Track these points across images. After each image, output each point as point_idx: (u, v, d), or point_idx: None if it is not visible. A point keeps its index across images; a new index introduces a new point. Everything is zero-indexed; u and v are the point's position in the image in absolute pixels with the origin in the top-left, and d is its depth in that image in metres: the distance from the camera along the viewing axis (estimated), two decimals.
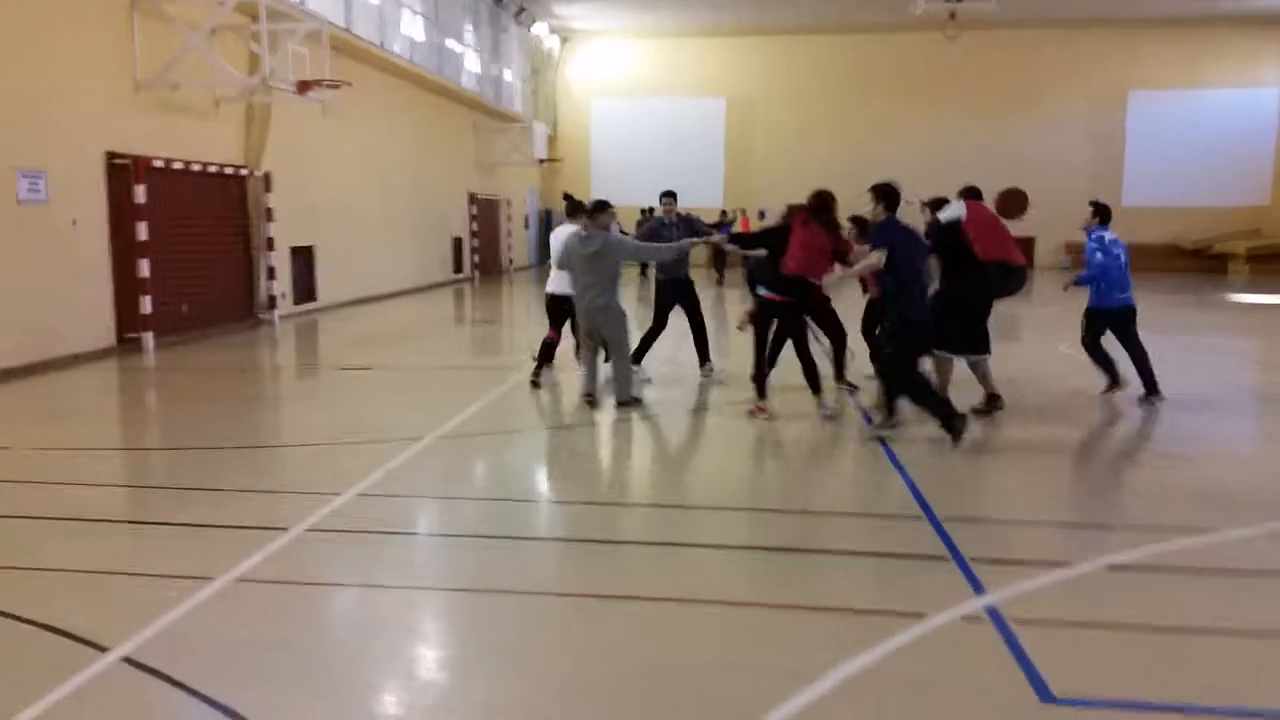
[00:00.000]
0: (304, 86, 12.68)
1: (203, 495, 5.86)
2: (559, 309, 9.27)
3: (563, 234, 8.92)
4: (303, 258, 16.36)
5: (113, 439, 7.94)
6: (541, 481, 6.65)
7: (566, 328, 9.36)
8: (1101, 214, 8.83)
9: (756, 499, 6.07)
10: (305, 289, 16.51)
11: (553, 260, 8.99)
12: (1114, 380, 8.82)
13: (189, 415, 8.53)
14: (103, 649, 3.66)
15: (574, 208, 9.11)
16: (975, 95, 31.21)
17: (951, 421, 6.82)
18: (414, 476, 6.40)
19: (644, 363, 9.64)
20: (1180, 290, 23.00)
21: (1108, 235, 8.68)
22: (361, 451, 6.94)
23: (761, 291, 7.91)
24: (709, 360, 9.79)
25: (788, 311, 7.88)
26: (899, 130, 31.13)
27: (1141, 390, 8.66)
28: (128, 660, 3.59)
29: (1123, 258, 8.67)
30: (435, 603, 4.32)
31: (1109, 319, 8.77)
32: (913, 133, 31.11)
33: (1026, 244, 32.89)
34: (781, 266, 7.67)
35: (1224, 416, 8.60)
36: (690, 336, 9.80)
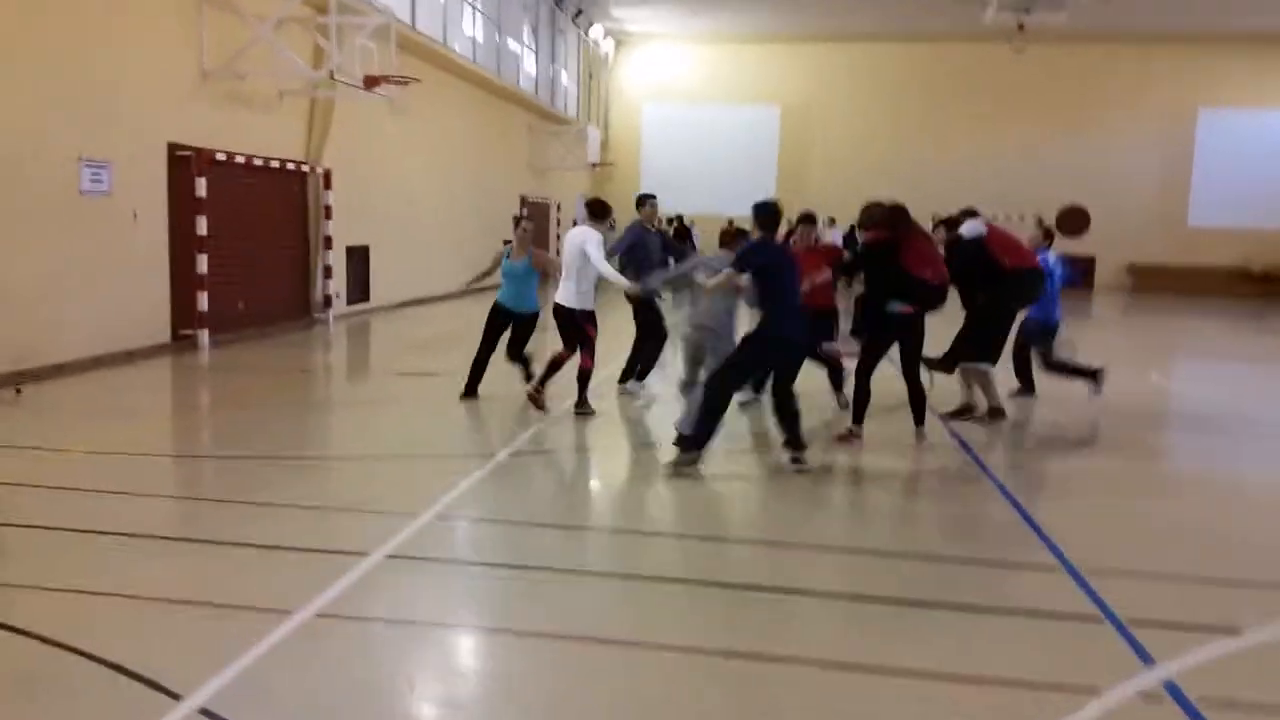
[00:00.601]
0: (371, 82, 12.38)
1: (268, 511, 5.50)
2: (571, 323, 8.27)
3: (578, 237, 8.09)
4: (358, 257, 16.09)
5: (170, 444, 7.60)
6: (635, 508, 6.16)
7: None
8: (1050, 236, 9.48)
9: (854, 539, 5.59)
10: (360, 289, 16.24)
11: (565, 264, 8.16)
12: (1091, 376, 9.19)
13: (248, 419, 8.19)
14: (177, 696, 3.27)
15: (603, 210, 8.49)
16: (1040, 109, 30.43)
17: (695, 454, 6.51)
18: (495, 497, 6.00)
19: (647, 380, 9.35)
20: (1259, 317, 22.16)
21: (1051, 256, 9.23)
22: (434, 467, 6.55)
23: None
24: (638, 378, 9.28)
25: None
26: (960, 143, 30.43)
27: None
28: (206, 713, 3.19)
29: (1056, 277, 9.13)
30: (544, 651, 3.88)
31: (1043, 333, 9.16)
32: (974, 146, 30.41)
33: (1087, 263, 32.12)
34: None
35: None
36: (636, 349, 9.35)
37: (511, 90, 22.34)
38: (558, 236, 27.96)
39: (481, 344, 8.80)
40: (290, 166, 13.45)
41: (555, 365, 8.21)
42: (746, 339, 6.72)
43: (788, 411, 6.58)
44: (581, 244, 7.93)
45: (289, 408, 8.84)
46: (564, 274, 8.14)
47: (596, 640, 3.93)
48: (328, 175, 14.24)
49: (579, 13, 27.41)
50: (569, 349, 8.22)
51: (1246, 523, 6.04)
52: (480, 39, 20.87)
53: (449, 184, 19.68)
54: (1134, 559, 5.16)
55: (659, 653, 3.85)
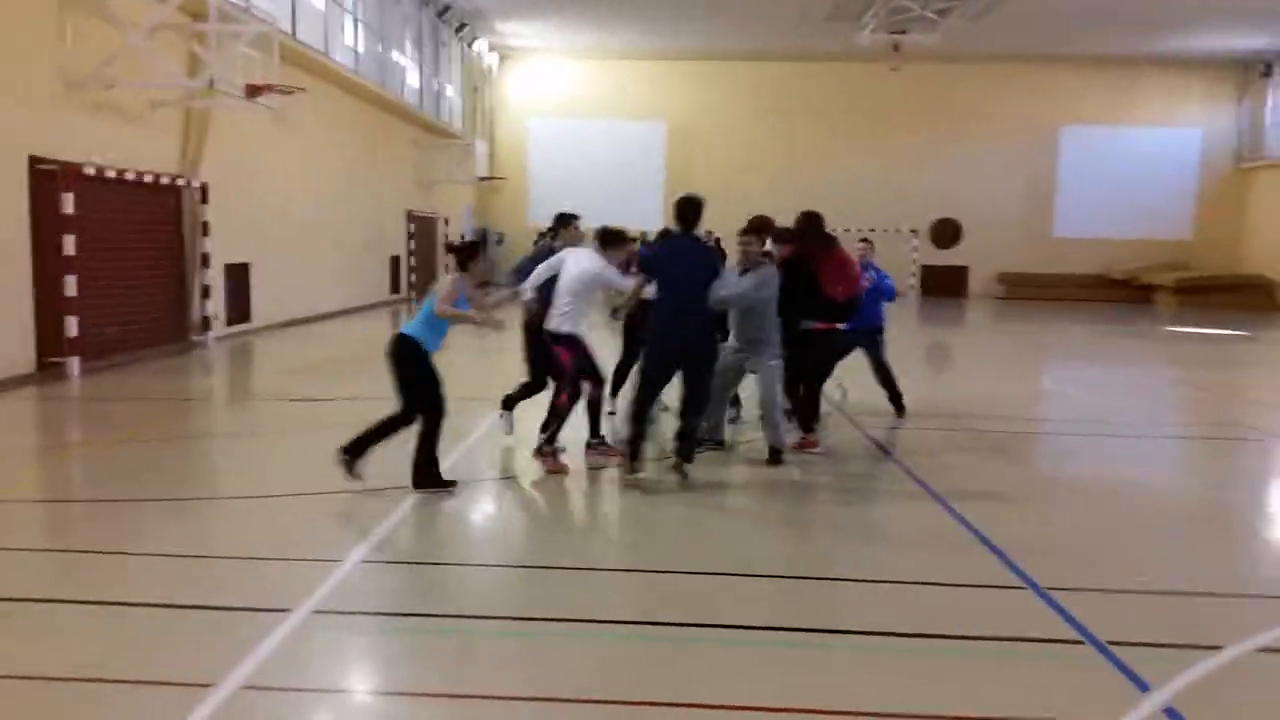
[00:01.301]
0: (253, 91, 11.69)
1: (159, 564, 4.90)
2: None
3: (582, 260, 7.20)
4: (238, 276, 15.22)
5: (36, 486, 6.83)
6: (578, 542, 5.77)
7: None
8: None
9: (793, 560, 5.40)
10: (240, 309, 15.36)
11: (569, 290, 7.11)
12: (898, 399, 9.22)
13: (125, 456, 7.45)
14: None
15: (618, 241, 7.46)
16: (917, 127, 31.44)
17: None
18: (423, 538, 5.58)
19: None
20: (1122, 320, 23.30)
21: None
22: (349, 504, 6.05)
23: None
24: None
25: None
26: (842, 159, 31.16)
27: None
28: None
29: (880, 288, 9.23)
30: (503, 715, 3.52)
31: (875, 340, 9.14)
32: (856, 162, 31.19)
33: (959, 273, 33.40)
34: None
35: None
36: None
37: (395, 102, 21.68)
38: (445, 250, 27.32)
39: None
40: (165, 180, 12.58)
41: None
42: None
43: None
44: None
45: (170, 442, 8.07)
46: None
47: (565, 701, 3.59)
48: (204, 189, 13.39)
49: (462, 26, 26.88)
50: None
51: (1184, 532, 6.13)
52: (362, 50, 20.18)
53: (333, 198, 18.91)
54: (1090, 572, 5.10)
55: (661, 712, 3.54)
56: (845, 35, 26.18)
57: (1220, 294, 29.51)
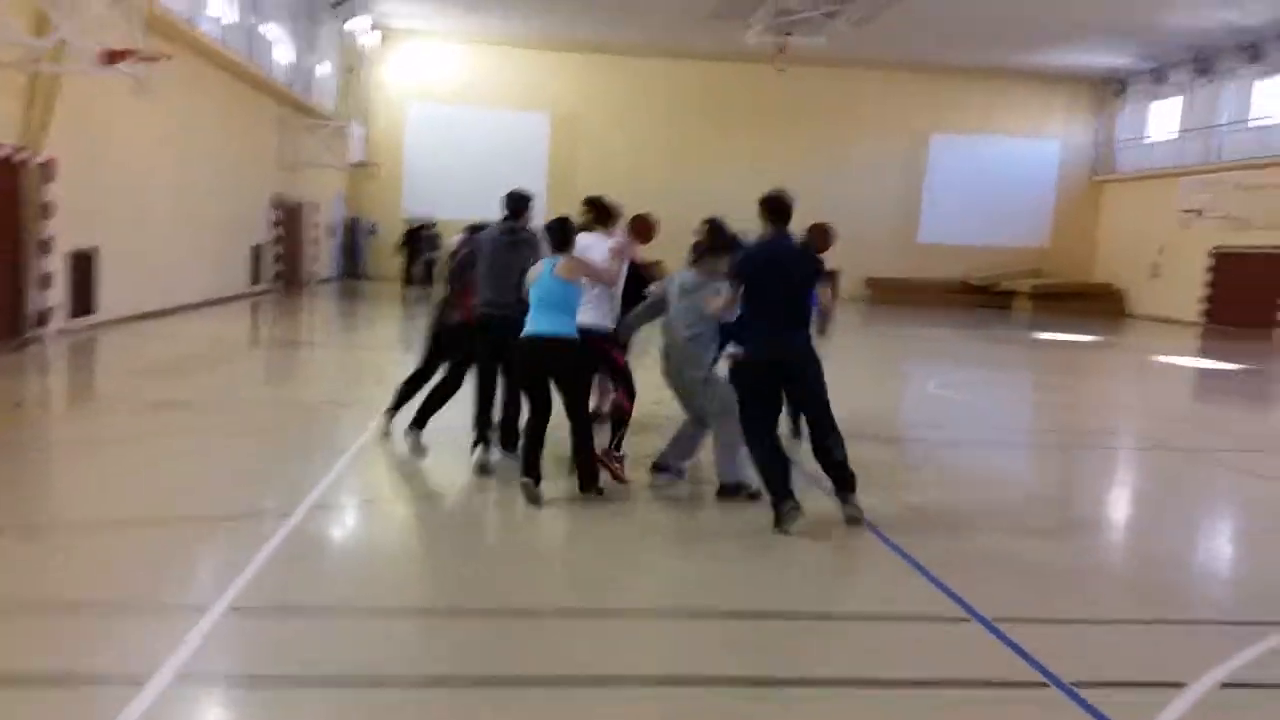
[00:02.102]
0: (113, 57, 10.51)
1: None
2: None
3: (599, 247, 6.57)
4: (83, 263, 13.84)
5: None
6: (499, 578, 5.03)
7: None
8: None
9: (728, 600, 4.99)
10: (84, 300, 13.97)
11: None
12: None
13: None
14: None
15: (606, 214, 6.86)
16: (799, 129, 31.75)
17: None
18: (310, 575, 4.83)
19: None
20: (983, 326, 24.03)
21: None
22: (220, 533, 5.31)
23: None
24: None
25: None
26: (727, 158, 31.13)
27: None
28: None
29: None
30: None
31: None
32: (740, 162, 31.16)
33: (830, 277, 33.85)
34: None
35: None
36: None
37: (262, 79, 20.33)
38: (314, 241, 25.96)
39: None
40: (1, 153, 11.24)
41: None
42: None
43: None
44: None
45: (3, 455, 7.00)
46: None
47: None
48: (50, 165, 12.05)
49: (340, 2, 25.54)
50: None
51: (1115, 555, 6.02)
52: (229, 20, 18.82)
53: (191, 179, 17.51)
54: (1029, 603, 4.86)
55: None
56: (732, 34, 26.13)
57: (1073, 300, 30.95)
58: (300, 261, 24.96)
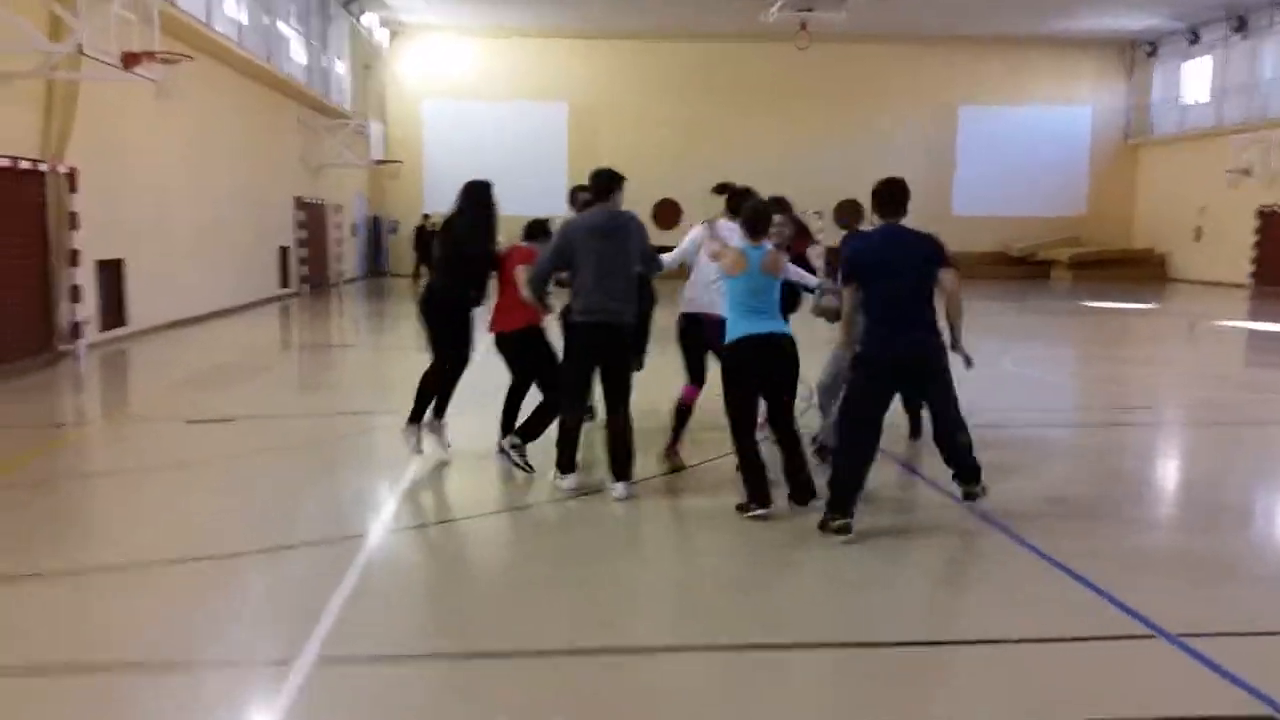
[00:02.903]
0: (131, 60, 10.10)
1: (26, 685, 3.72)
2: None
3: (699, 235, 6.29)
4: (111, 273, 13.49)
5: None
6: (609, 610, 4.43)
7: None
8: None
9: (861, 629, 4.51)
10: (114, 311, 13.64)
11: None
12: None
13: None
14: None
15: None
16: (822, 107, 31.12)
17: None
18: (401, 613, 4.33)
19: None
20: (1027, 297, 23.36)
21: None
22: (287, 567, 4.87)
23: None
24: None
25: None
26: (748, 139, 30.55)
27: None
28: None
29: None
30: None
31: None
32: (762, 142, 30.61)
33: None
34: None
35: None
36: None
37: (281, 79, 19.92)
38: (338, 242, 25.61)
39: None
40: (24, 165, 10.84)
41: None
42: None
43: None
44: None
45: (41, 485, 6.52)
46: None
47: None
48: (73, 175, 11.67)
49: None
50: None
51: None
52: (245, 21, 18.41)
53: (215, 184, 17.16)
54: (1218, 612, 4.33)
55: None
56: (751, 13, 25.52)
57: (1113, 268, 30.24)
58: (326, 262, 24.62)
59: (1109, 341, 15.70)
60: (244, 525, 5.54)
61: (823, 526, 5.17)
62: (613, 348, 5.82)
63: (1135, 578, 4.62)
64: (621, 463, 5.85)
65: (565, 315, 6.24)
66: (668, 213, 30.36)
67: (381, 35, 28.49)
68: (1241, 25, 27.21)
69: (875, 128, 31.66)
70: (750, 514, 5.51)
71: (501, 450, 6.45)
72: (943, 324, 5.39)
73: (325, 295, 22.99)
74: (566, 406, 6.02)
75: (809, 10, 25.40)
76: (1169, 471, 7.39)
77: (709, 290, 6.16)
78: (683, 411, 6.59)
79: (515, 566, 5.08)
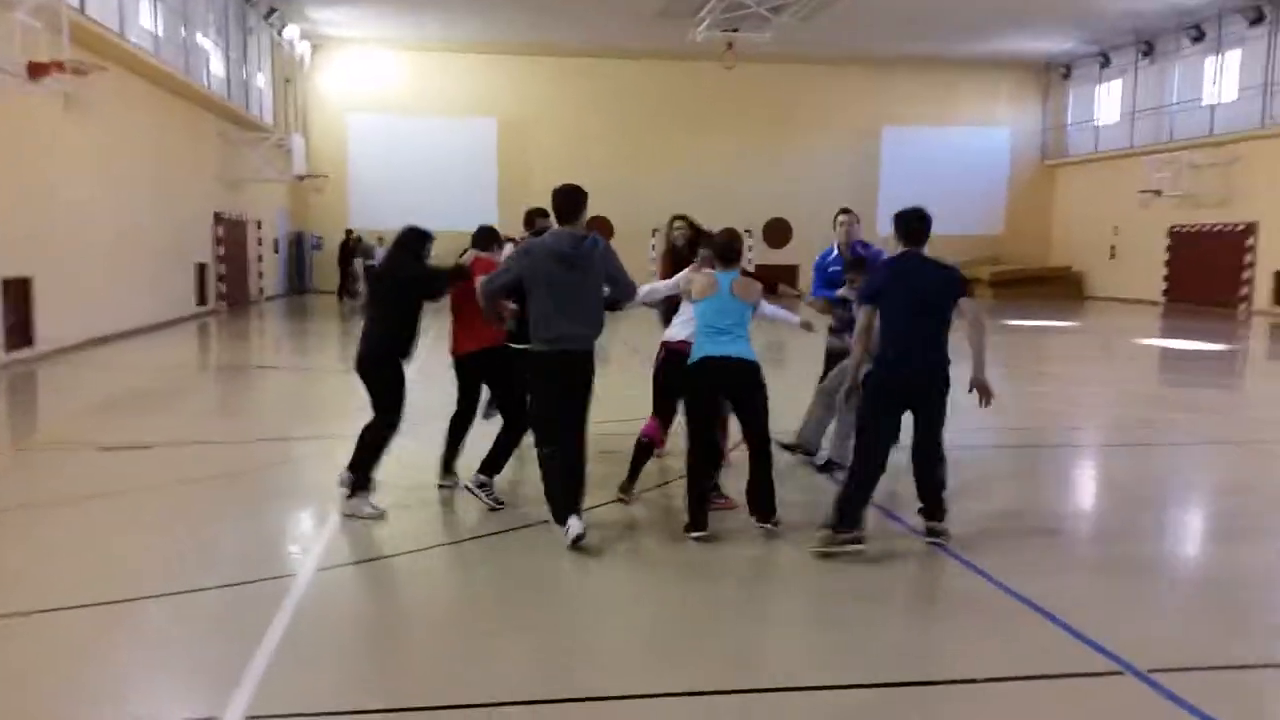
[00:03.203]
0: (38, 70, 9.62)
1: None
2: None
3: None
4: (18, 292, 12.85)
5: None
6: (570, 655, 4.23)
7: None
8: None
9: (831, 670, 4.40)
10: (20, 332, 12.99)
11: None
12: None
13: None
14: None
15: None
16: (750, 126, 31.40)
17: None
18: (324, 661, 4.06)
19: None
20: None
21: None
22: (212, 607, 4.57)
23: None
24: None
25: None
26: (678, 158, 30.71)
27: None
28: None
29: None
30: None
31: None
32: (691, 161, 30.79)
33: (790, 271, 33.68)
34: None
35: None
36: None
37: (199, 91, 19.34)
38: (259, 258, 24.91)
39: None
40: None
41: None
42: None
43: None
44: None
45: None
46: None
47: None
48: None
49: (271, 11, 24.51)
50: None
51: (1239, 568, 5.54)
52: (161, 32, 17.81)
53: (127, 197, 16.51)
54: (1183, 643, 4.29)
55: None
56: (679, 32, 25.68)
57: (1032, 285, 31.03)
58: (246, 279, 23.92)
59: (1037, 359, 16.03)
60: (162, 565, 5.21)
61: (828, 542, 5.20)
62: (576, 375, 5.56)
63: (1100, 611, 4.60)
64: (572, 493, 5.52)
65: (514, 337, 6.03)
66: (599, 231, 30.27)
67: (303, 48, 27.90)
68: (1150, 50, 28.27)
69: (802, 147, 32.07)
70: (691, 535, 5.50)
71: (467, 488, 6.18)
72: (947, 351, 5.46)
73: (245, 313, 22.32)
74: (545, 442, 5.58)
75: (735, 30, 25.70)
76: (1122, 496, 7.36)
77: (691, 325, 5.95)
78: (643, 448, 6.22)
79: (458, 609, 4.80)
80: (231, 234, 22.49)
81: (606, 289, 5.61)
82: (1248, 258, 24.51)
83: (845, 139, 32.51)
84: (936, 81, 32.49)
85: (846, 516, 5.24)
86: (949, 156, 33.10)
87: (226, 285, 22.13)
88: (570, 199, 5.51)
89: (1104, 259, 30.41)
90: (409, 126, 29.93)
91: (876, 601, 4.79)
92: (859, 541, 5.23)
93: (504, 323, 6.01)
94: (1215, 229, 25.46)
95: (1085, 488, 7.61)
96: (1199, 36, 26.25)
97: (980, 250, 33.05)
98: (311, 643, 4.21)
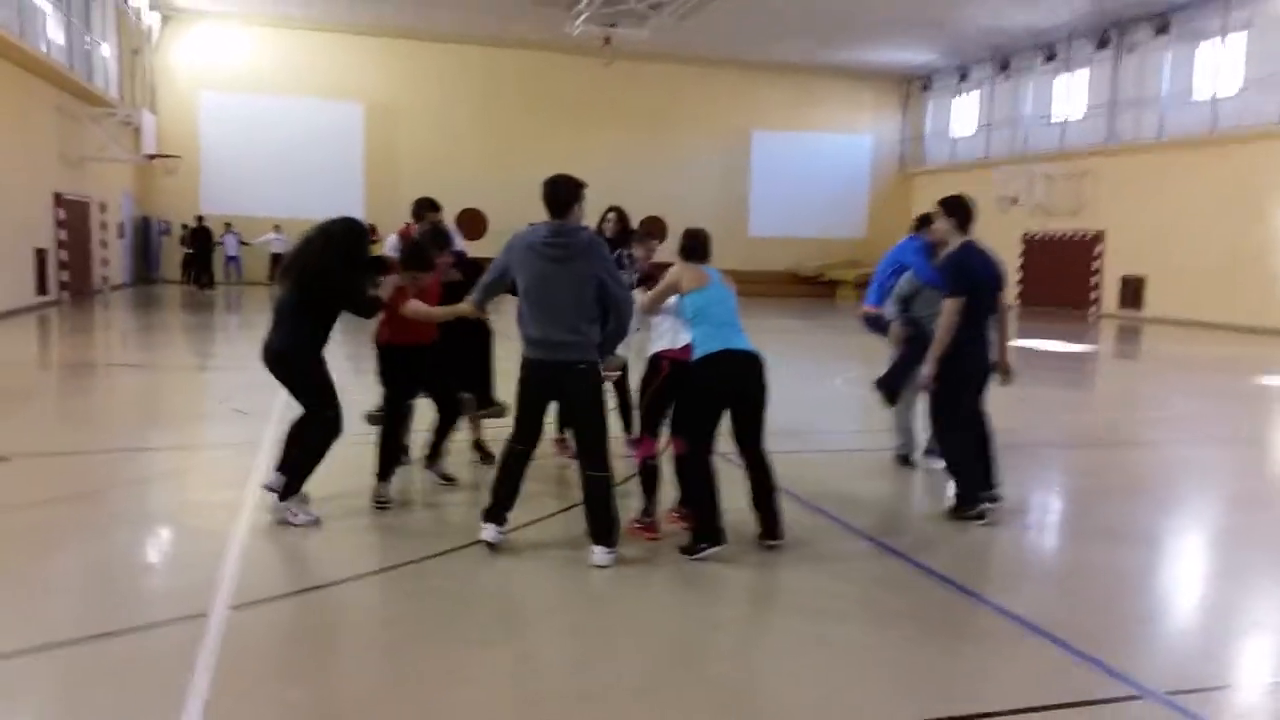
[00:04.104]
0: None
1: None
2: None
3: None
4: None
5: None
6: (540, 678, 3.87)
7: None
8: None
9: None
10: None
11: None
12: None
13: None
14: None
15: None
16: (626, 123, 31.29)
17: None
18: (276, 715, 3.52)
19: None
20: (822, 315, 24.28)
21: None
22: (100, 662, 3.92)
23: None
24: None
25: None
26: (553, 152, 30.12)
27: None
28: None
29: None
30: None
31: None
32: (567, 155, 30.19)
33: (665, 270, 33.79)
34: None
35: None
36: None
37: (35, 58, 17.64)
38: (103, 244, 23.09)
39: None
40: None
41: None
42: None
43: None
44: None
45: None
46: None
47: None
48: None
49: None
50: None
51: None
52: None
53: None
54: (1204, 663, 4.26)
55: None
56: (557, 24, 25.25)
57: None
58: (90, 267, 22.10)
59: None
60: (34, 611, 4.44)
61: (958, 516, 5.83)
62: (562, 385, 4.94)
63: (1084, 624, 4.52)
64: (599, 527, 4.92)
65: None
66: (472, 222, 29.53)
67: (151, 19, 26.02)
68: (1005, 66, 29.64)
69: (677, 147, 32.17)
70: (700, 554, 4.99)
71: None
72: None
73: (89, 304, 20.60)
74: (516, 434, 5.05)
75: (613, 25, 25.46)
76: (1076, 503, 7.48)
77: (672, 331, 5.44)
78: (649, 472, 5.44)
79: (397, 652, 4.15)
80: (74, 217, 20.71)
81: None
82: (1096, 264, 26.07)
83: (718, 141, 32.83)
84: (803, 88, 33.20)
85: (966, 498, 5.84)
86: (814, 162, 33.91)
87: (69, 273, 20.37)
88: (561, 191, 4.85)
89: None
90: (268, 107, 28.38)
91: (870, 629, 4.59)
92: (983, 517, 5.79)
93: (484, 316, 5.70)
94: (1066, 237, 26.93)
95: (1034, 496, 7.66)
96: (1051, 56, 27.70)
97: (843, 253, 34.00)
98: (227, 696, 3.67)
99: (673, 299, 5.35)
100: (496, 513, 5.10)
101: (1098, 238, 26.03)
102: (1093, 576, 5.26)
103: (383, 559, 5.20)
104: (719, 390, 5.12)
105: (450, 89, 29.81)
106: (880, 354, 7.85)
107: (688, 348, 5.30)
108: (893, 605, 4.70)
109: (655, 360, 5.46)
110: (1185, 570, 5.77)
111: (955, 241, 5.89)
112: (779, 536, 5.25)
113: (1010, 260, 28.75)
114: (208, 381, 12.22)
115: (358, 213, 29.99)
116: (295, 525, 5.43)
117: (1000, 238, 29.04)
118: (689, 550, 5.07)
